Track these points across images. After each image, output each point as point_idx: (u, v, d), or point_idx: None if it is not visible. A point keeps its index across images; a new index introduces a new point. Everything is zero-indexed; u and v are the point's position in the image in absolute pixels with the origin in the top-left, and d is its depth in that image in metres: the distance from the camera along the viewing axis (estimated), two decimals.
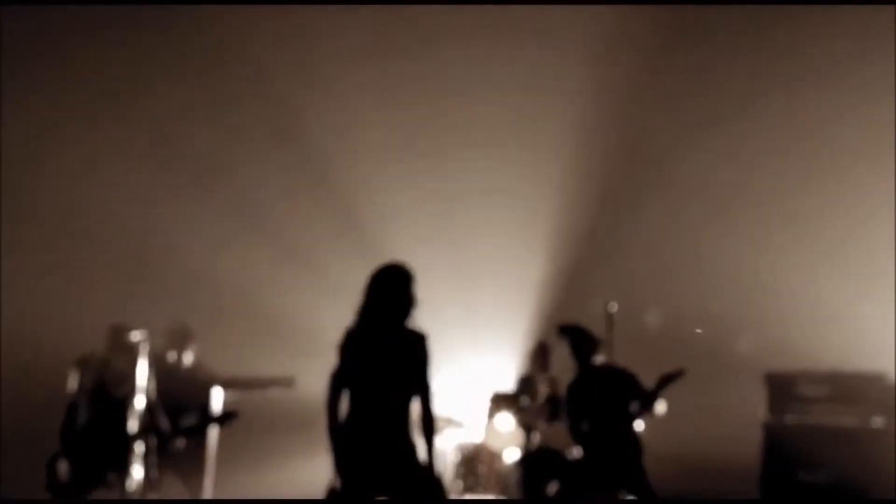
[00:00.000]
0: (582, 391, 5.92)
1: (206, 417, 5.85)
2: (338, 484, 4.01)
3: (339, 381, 4.12)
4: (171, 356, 6.29)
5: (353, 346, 4.11)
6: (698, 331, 7.46)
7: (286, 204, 8.35)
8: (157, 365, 6.01)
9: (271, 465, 7.45)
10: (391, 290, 4.18)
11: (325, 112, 8.15)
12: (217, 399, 6.19)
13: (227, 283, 7.87)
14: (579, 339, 5.98)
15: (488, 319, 8.07)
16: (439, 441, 6.86)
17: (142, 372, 5.04)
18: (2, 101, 7.57)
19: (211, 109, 8.20)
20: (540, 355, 7.57)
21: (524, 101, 8.16)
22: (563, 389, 6.96)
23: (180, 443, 5.38)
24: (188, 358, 6.36)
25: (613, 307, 5.57)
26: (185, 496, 6.09)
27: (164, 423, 5.37)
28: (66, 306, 7.37)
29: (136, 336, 5.04)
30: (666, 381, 5.57)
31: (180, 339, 6.37)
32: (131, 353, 5.13)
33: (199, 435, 5.80)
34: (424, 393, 4.16)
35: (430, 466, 4.11)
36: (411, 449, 4.11)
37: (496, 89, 8.13)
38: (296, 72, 8.13)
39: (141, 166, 8.03)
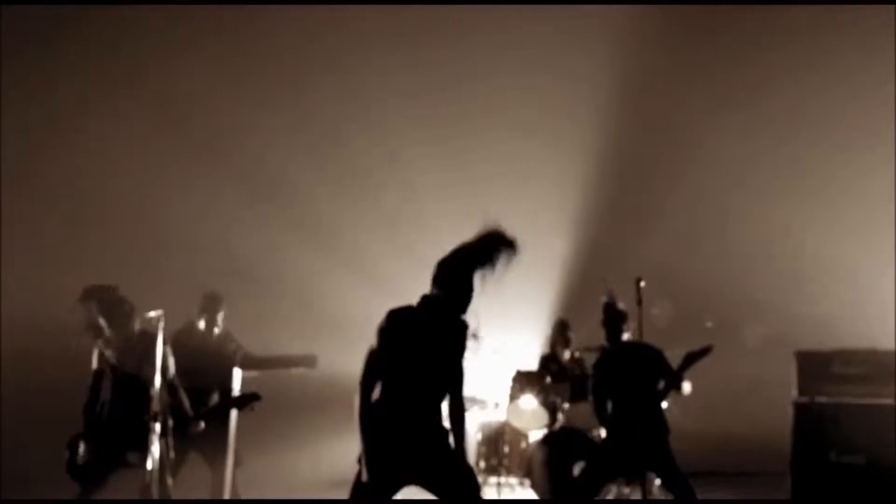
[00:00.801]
0: (608, 369, 5.76)
1: (227, 399, 5.78)
2: (365, 471, 3.84)
3: (377, 363, 3.94)
4: (202, 323, 6.28)
5: (398, 329, 3.93)
6: (708, 324, 7.35)
7: (309, 179, 8.29)
8: (188, 332, 6.13)
9: (294, 444, 7.46)
10: (463, 277, 3.99)
11: (351, 92, 8.13)
12: (238, 379, 6.09)
13: (248, 261, 7.84)
14: (613, 315, 5.80)
15: (512, 297, 7.90)
16: None
17: (160, 351, 4.92)
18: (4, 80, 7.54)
19: (226, 82, 8.15)
20: (561, 332, 7.50)
21: (550, 82, 8.15)
22: (587, 367, 7.03)
23: (201, 425, 5.31)
24: (217, 325, 6.32)
25: (643, 283, 5.32)
26: (208, 475, 6.04)
27: (185, 404, 5.30)
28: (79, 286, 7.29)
29: (154, 315, 4.93)
30: (692, 358, 5.42)
31: (213, 306, 6.32)
32: (150, 333, 5.01)
33: (219, 417, 5.71)
34: (458, 383, 4.01)
35: (462, 457, 3.99)
36: (444, 438, 3.96)
37: (523, 72, 8.13)
38: (320, 50, 8.11)
39: (159, 143, 8.01)
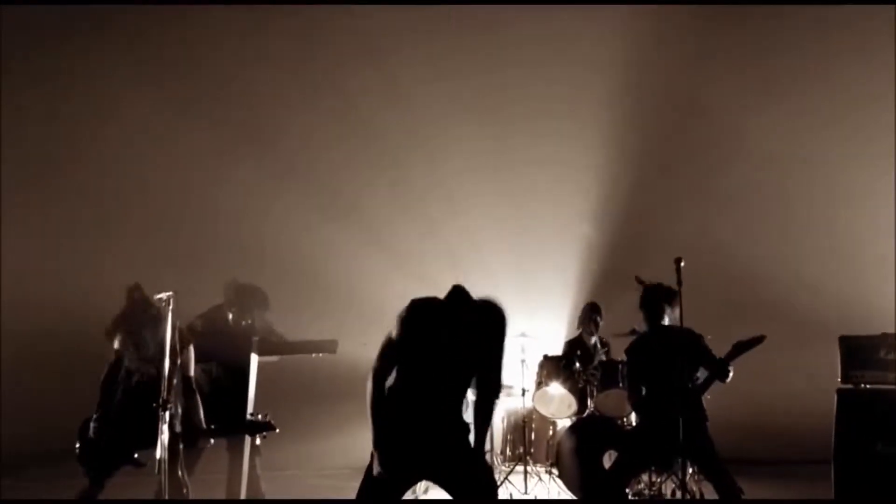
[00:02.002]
0: (643, 353, 5.47)
1: (240, 424, 5.60)
2: (377, 466, 3.62)
3: (392, 352, 3.71)
4: (231, 315, 6.02)
5: (421, 320, 3.70)
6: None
7: (336, 160, 8.22)
8: (211, 319, 5.92)
9: (313, 433, 7.33)
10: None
11: (383, 77, 8.07)
12: (255, 365, 5.88)
13: (268, 242, 7.64)
14: (656, 296, 5.47)
15: (539, 280, 7.78)
16: None
17: (170, 333, 4.69)
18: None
19: (258, 67, 8.07)
20: (590, 316, 7.30)
21: (575, 70, 8.08)
22: (617, 352, 6.88)
23: (210, 441, 5.20)
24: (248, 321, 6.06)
25: (683, 263, 5.02)
26: (226, 461, 5.88)
27: (199, 412, 5.11)
28: (99, 269, 7.21)
29: (164, 297, 4.69)
30: (741, 348, 5.08)
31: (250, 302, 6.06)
32: (159, 318, 4.80)
33: (229, 436, 5.57)
34: (493, 375, 3.74)
35: (480, 455, 3.75)
36: (463, 434, 3.72)
37: (549, 60, 8.07)
38: (357, 41, 8.09)
39: (183, 125, 7.91)
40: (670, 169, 8.11)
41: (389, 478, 3.61)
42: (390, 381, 3.73)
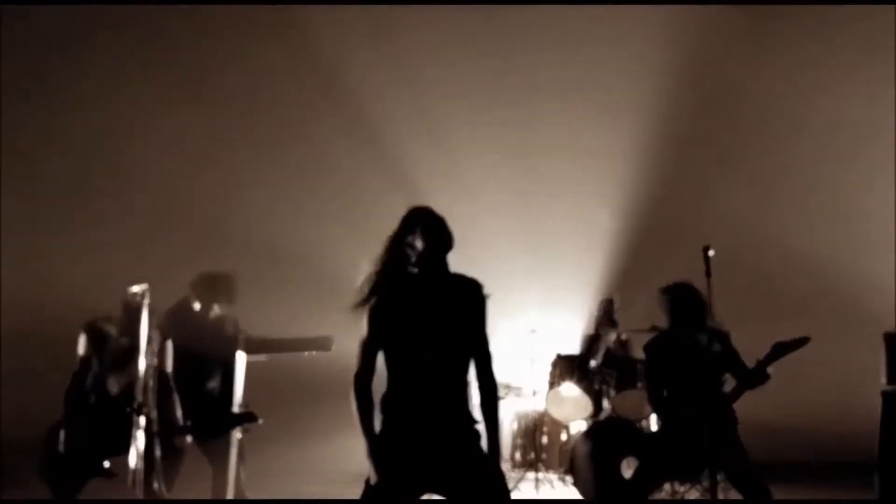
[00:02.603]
0: (667, 350, 5.03)
1: (222, 418, 5.13)
2: (374, 478, 3.20)
3: (370, 351, 3.29)
4: (197, 304, 5.55)
5: (390, 305, 3.26)
6: None
7: (333, 145, 7.86)
8: (183, 311, 5.48)
9: (304, 439, 6.97)
10: (427, 230, 3.33)
11: (395, 67, 7.78)
12: (242, 363, 5.43)
13: (256, 231, 7.32)
14: (685, 298, 4.98)
15: (554, 272, 7.52)
16: None
17: (145, 328, 4.28)
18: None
19: (248, 55, 7.80)
20: (607, 312, 6.89)
21: (597, 58, 7.82)
22: (636, 350, 6.62)
23: (188, 439, 4.76)
24: (216, 309, 5.58)
25: (712, 252, 4.60)
26: (209, 471, 5.41)
27: (177, 410, 4.74)
28: (85, 263, 6.90)
29: (137, 290, 4.28)
30: (782, 350, 4.57)
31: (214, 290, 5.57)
32: (134, 313, 4.38)
33: (211, 435, 5.09)
34: (482, 356, 3.36)
35: (494, 456, 3.29)
36: (472, 433, 3.29)
37: (569, 49, 7.81)
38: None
39: (173, 113, 7.62)
40: (696, 156, 7.79)
41: (391, 490, 3.19)
42: (382, 388, 3.31)
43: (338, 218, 7.72)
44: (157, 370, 4.60)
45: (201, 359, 5.33)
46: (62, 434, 4.52)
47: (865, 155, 7.32)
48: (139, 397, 4.22)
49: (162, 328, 4.68)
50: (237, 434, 5.27)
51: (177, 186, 7.57)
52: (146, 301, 4.28)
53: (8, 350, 7.13)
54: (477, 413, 3.30)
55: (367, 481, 3.23)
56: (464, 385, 3.29)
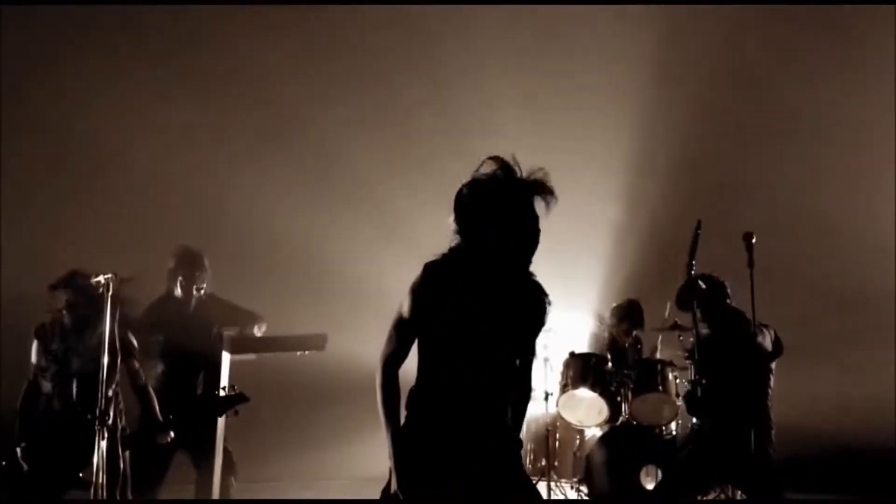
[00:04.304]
0: (699, 349, 4.67)
1: (205, 402, 4.77)
2: (395, 482, 2.79)
3: (408, 334, 2.86)
4: (178, 290, 5.17)
5: (444, 289, 2.81)
6: None
7: (332, 125, 7.47)
8: (163, 307, 5.16)
9: (297, 445, 6.57)
10: (517, 210, 2.82)
11: (408, 59, 7.53)
12: (226, 364, 5.03)
13: (243, 218, 6.95)
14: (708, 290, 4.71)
15: (568, 267, 7.01)
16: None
17: (108, 325, 3.83)
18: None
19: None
20: (628, 309, 6.53)
21: (614, 54, 7.55)
22: (654, 350, 6.39)
23: (169, 436, 4.42)
24: (197, 291, 5.23)
25: (754, 240, 4.25)
26: (195, 477, 5.07)
27: (153, 405, 4.43)
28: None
29: (101, 280, 3.82)
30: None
31: (190, 265, 5.20)
32: (96, 304, 3.99)
33: (198, 421, 4.70)
34: (526, 362, 2.97)
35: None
36: (514, 445, 2.93)
37: (588, 42, 7.56)
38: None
39: (169, 106, 7.28)
40: (723, 145, 7.49)
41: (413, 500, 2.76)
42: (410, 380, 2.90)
43: (340, 209, 7.37)
44: (127, 367, 4.27)
45: (186, 354, 5.01)
46: (20, 453, 4.16)
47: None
48: (101, 402, 3.77)
49: (144, 324, 4.36)
50: (222, 431, 4.93)
51: (168, 175, 7.25)
52: (110, 293, 3.83)
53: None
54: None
55: (386, 489, 2.80)
56: (509, 393, 2.92)
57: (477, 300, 2.80)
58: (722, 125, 7.39)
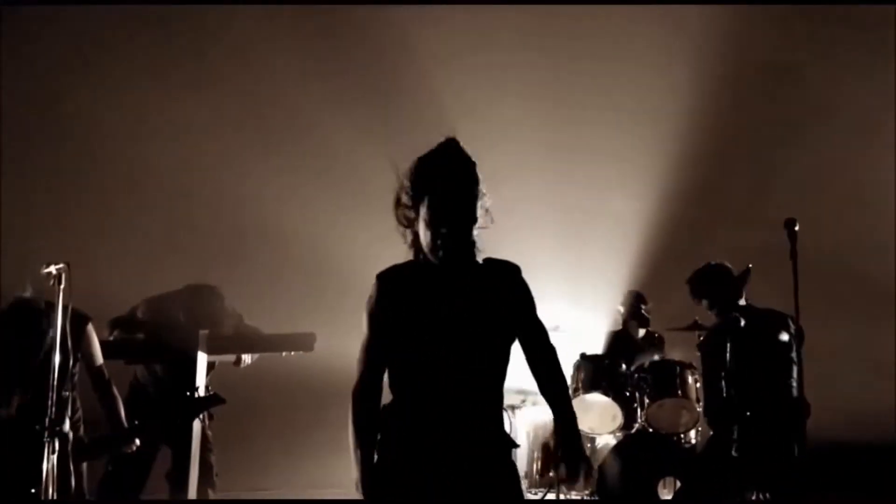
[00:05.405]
0: (718, 348, 4.43)
1: (183, 405, 4.30)
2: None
3: (376, 356, 2.61)
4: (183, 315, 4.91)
5: (399, 296, 2.58)
6: None
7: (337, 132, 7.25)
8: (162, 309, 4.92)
9: (279, 454, 6.25)
10: (453, 190, 2.60)
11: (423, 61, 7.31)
12: (201, 367, 4.64)
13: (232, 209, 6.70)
14: (719, 281, 4.58)
15: (586, 262, 6.83)
16: (507, 421, 5.70)
17: (59, 324, 3.46)
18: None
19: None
20: (636, 307, 6.36)
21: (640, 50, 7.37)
22: (672, 351, 6.15)
23: (135, 443, 4.02)
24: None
25: (797, 227, 3.86)
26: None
27: (118, 409, 4.06)
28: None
29: (52, 271, 3.44)
30: None
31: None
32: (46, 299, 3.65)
33: (172, 426, 4.34)
34: (538, 332, 2.71)
35: (571, 450, 2.65)
36: (505, 456, 2.63)
37: (614, 44, 7.37)
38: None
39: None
40: (747, 135, 7.28)
41: None
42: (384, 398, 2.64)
43: (336, 205, 7.08)
44: (86, 365, 3.91)
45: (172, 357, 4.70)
46: None
47: None
48: (50, 410, 3.38)
49: (83, 315, 3.95)
50: (198, 437, 4.58)
51: (158, 170, 6.94)
52: (62, 285, 3.44)
53: None
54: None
55: None
56: (498, 401, 2.65)
57: (436, 298, 2.57)
58: (745, 117, 7.18)
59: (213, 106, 7.04)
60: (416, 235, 2.61)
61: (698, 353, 4.82)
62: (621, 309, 6.44)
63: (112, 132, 6.98)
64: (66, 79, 6.99)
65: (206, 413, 4.35)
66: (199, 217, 6.70)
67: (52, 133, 6.99)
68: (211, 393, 4.24)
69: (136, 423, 4.09)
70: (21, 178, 6.73)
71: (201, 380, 4.53)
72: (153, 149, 6.97)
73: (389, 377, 2.61)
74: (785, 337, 4.29)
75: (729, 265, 4.70)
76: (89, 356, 3.91)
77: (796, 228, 3.79)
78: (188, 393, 4.26)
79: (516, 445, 2.70)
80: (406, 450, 2.50)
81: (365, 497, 2.49)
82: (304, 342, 4.89)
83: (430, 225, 2.52)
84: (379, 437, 2.54)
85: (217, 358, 4.81)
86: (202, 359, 4.61)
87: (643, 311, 6.33)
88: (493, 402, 2.58)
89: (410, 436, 2.51)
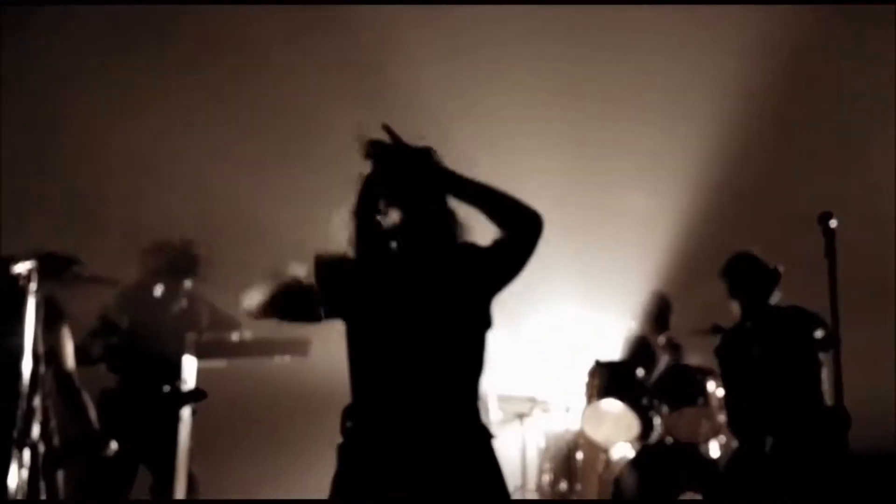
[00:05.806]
0: (740, 350, 4.31)
1: (165, 398, 4.26)
2: None
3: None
4: (158, 289, 4.76)
5: (349, 287, 2.47)
6: None
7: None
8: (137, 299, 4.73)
9: (274, 462, 6.06)
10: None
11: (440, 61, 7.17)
12: (191, 370, 4.49)
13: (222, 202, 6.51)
14: (749, 272, 4.28)
15: (602, 261, 6.65)
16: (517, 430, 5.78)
17: (30, 325, 3.24)
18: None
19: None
20: (657, 310, 6.12)
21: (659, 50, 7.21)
22: (692, 356, 5.87)
23: (111, 447, 3.82)
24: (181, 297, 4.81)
25: (833, 223, 3.63)
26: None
27: (89, 412, 3.80)
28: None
29: (22, 270, 3.24)
30: None
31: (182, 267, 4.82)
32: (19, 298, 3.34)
33: (156, 426, 4.22)
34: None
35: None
36: (486, 447, 2.41)
37: (638, 39, 7.24)
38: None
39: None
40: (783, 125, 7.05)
41: None
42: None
43: (337, 204, 6.89)
44: (55, 370, 3.67)
45: (155, 360, 4.52)
46: None
47: None
48: (19, 421, 3.17)
49: (56, 313, 3.75)
50: (185, 447, 4.42)
51: (151, 162, 6.83)
52: (32, 285, 3.21)
53: None
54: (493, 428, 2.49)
55: None
56: (472, 394, 2.44)
57: (388, 289, 2.43)
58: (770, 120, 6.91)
59: (207, 100, 6.92)
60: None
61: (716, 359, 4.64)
62: (642, 312, 6.18)
63: (101, 126, 6.78)
64: (63, 75, 6.81)
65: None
66: (189, 212, 6.49)
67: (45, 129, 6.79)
68: (195, 387, 4.19)
69: (110, 426, 3.95)
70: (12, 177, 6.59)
71: (191, 385, 4.40)
72: (144, 141, 6.82)
73: (350, 378, 2.45)
74: (815, 335, 4.05)
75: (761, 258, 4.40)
76: (59, 359, 3.67)
77: (832, 224, 3.54)
78: (169, 387, 4.22)
79: (493, 437, 2.48)
80: (373, 453, 2.33)
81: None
82: (298, 347, 4.82)
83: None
84: (340, 444, 2.38)
85: (206, 364, 4.62)
86: (191, 364, 4.47)
87: (667, 315, 6.12)
88: (466, 398, 2.40)
89: (376, 437, 2.34)
